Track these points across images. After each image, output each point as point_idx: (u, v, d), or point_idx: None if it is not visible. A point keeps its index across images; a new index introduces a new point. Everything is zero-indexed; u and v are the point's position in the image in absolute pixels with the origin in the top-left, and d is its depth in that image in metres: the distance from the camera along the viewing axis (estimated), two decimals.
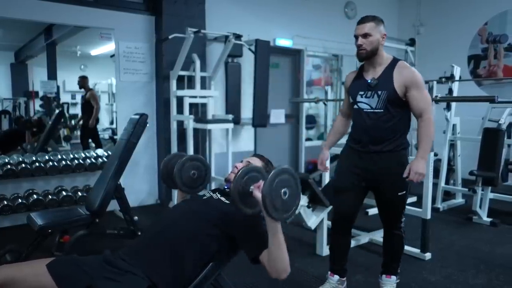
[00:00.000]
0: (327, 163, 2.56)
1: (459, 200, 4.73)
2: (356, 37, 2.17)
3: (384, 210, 2.36)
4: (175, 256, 1.53)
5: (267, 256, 1.51)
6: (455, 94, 4.45)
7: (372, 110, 2.18)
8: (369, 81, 2.18)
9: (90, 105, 4.77)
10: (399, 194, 2.23)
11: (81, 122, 4.98)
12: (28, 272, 1.44)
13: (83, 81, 4.76)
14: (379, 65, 2.19)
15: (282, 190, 1.40)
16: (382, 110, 2.16)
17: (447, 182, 4.72)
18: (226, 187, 1.85)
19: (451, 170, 4.83)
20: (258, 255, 1.53)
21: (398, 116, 2.17)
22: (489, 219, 3.93)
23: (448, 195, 4.83)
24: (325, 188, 3.31)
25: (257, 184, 1.45)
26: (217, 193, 1.82)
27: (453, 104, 4.47)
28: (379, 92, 2.15)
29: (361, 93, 2.21)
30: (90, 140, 4.87)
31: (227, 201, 1.73)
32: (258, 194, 1.40)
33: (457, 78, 4.47)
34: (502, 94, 4.28)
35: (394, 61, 2.19)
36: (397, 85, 2.12)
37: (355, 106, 2.26)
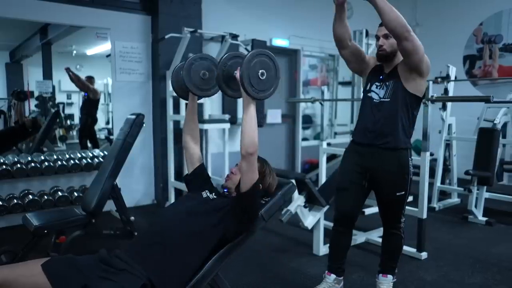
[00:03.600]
0: None
1: (454, 200, 4.75)
2: (378, 37, 2.21)
3: (383, 209, 2.37)
4: (172, 253, 1.53)
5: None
6: (450, 94, 4.47)
7: (379, 100, 2.23)
8: (381, 77, 2.25)
9: (90, 105, 4.76)
10: (398, 194, 2.24)
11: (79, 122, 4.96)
12: (22, 272, 1.43)
13: (89, 81, 4.74)
14: (394, 65, 2.24)
15: (260, 71, 1.57)
16: (388, 99, 2.20)
17: (442, 182, 4.74)
18: (225, 190, 1.85)
19: (446, 169, 4.85)
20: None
21: (402, 113, 2.19)
22: (484, 219, 3.95)
23: (443, 195, 4.86)
24: (322, 188, 3.32)
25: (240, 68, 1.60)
26: (214, 193, 1.82)
27: (449, 104, 4.50)
28: (387, 83, 2.22)
29: (377, 84, 2.27)
30: (87, 140, 4.84)
31: (224, 199, 1.76)
32: (238, 74, 1.59)
33: (452, 78, 4.50)
34: (497, 94, 4.27)
35: None
36: (401, 71, 2.17)
37: (368, 94, 2.30)
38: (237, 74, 1.60)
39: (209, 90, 1.87)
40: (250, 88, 1.57)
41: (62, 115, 4.89)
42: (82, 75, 4.71)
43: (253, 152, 1.61)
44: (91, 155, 4.23)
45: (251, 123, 1.61)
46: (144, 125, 3.00)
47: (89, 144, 4.82)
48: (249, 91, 1.57)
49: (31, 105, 4.54)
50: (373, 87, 2.28)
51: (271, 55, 1.63)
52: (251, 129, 1.61)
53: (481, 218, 3.98)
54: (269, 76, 1.60)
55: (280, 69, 1.67)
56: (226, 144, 4.52)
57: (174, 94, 4.19)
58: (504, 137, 4.63)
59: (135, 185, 4.51)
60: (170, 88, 4.26)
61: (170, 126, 4.34)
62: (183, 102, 4.30)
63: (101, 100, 4.94)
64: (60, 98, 4.79)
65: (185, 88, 1.85)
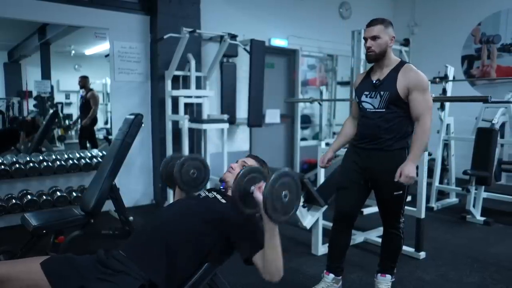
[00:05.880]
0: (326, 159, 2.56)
1: (453, 200, 4.76)
2: (365, 39, 2.21)
3: (382, 209, 2.38)
4: (170, 253, 1.53)
5: (261, 258, 1.51)
6: (449, 94, 4.48)
7: (374, 110, 2.22)
8: (374, 81, 2.23)
9: (89, 105, 4.76)
10: (395, 193, 2.24)
11: (79, 122, 4.96)
12: (22, 270, 1.43)
13: (83, 81, 4.73)
14: (386, 66, 2.23)
15: (283, 193, 1.41)
16: (383, 110, 2.19)
17: (441, 182, 4.75)
18: (221, 187, 1.85)
19: (445, 169, 4.86)
20: (252, 256, 1.53)
21: (399, 118, 2.19)
22: (482, 218, 3.96)
23: (442, 195, 4.87)
24: (320, 187, 3.32)
25: (258, 185, 1.47)
26: (212, 192, 1.82)
27: (447, 104, 4.51)
28: (382, 93, 2.19)
29: (366, 93, 2.26)
30: (87, 140, 4.84)
31: (223, 200, 1.73)
32: (259, 195, 1.42)
33: (451, 78, 4.50)
34: (495, 94, 4.31)
35: (401, 64, 2.23)
36: (400, 87, 2.15)
37: (360, 106, 2.30)
38: (255, 191, 1.47)
39: (196, 187, 1.97)
40: (275, 215, 1.41)
41: (61, 115, 4.89)
42: (79, 75, 4.73)
43: (278, 280, 1.51)
44: (89, 155, 4.22)
45: (277, 251, 1.47)
46: (142, 125, 3.00)
47: (88, 144, 4.82)
48: (274, 218, 1.42)
49: (30, 105, 4.54)
50: (363, 97, 2.27)
51: (294, 174, 1.48)
52: (277, 257, 1.47)
53: (479, 218, 3.99)
54: (292, 197, 1.45)
55: (300, 187, 1.51)
56: (225, 144, 4.52)
57: (173, 94, 4.26)
58: (502, 137, 4.64)
59: (134, 185, 4.50)
60: (169, 88, 4.26)
61: (169, 126, 4.34)
62: (181, 103, 4.30)
63: (100, 100, 4.94)
64: (58, 98, 4.79)
65: (174, 181, 1.94)
